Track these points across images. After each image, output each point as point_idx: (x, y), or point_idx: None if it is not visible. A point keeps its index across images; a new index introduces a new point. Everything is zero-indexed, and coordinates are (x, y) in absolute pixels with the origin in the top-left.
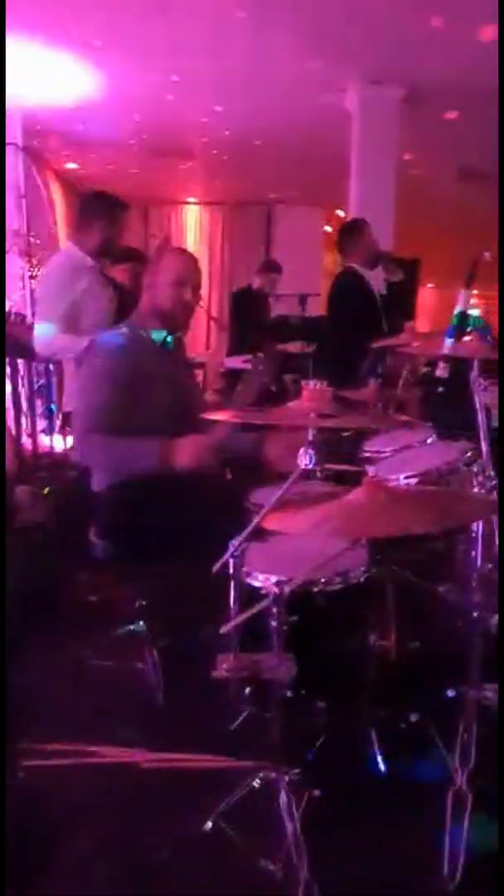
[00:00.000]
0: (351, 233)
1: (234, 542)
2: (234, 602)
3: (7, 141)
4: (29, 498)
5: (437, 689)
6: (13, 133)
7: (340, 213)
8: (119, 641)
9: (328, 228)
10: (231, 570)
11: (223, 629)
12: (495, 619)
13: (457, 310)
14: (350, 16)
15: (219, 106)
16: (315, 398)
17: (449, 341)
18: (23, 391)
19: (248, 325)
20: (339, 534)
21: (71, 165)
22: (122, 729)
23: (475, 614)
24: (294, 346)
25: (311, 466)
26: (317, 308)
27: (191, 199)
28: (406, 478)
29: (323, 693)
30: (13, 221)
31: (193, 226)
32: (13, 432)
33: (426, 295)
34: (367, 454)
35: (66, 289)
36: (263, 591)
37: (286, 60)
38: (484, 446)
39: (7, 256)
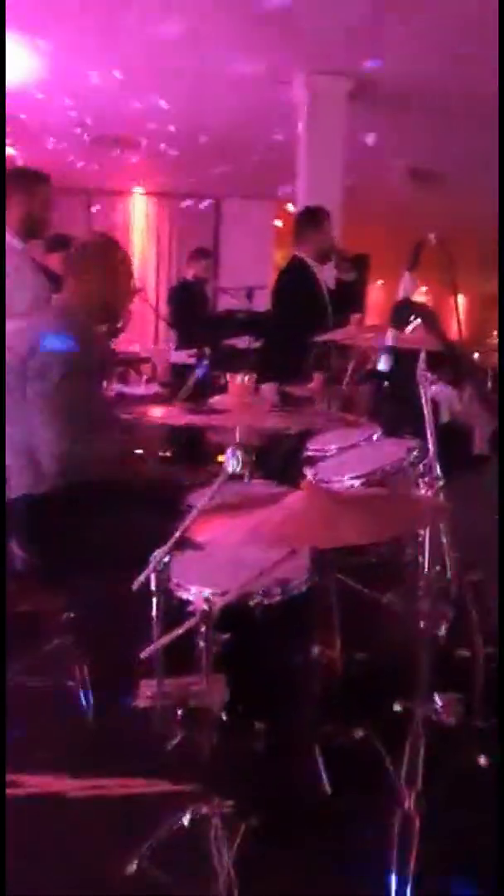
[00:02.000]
0: (308, 222)
1: (157, 555)
2: (156, 621)
3: None
4: None
5: (384, 703)
6: None
7: (290, 207)
8: (46, 657)
9: (279, 223)
10: (154, 586)
11: (144, 653)
12: (443, 628)
13: (400, 296)
14: (295, 3)
15: (161, 96)
16: (241, 394)
17: (391, 332)
18: None
19: (190, 319)
20: (276, 544)
21: (9, 151)
22: (48, 753)
23: (422, 624)
24: (241, 342)
25: (239, 470)
26: (265, 302)
27: (137, 190)
28: (350, 479)
29: (262, 712)
30: None
31: (140, 217)
32: None
33: (376, 292)
34: (311, 453)
35: None
36: (191, 609)
37: (229, 50)
38: (430, 444)
39: None
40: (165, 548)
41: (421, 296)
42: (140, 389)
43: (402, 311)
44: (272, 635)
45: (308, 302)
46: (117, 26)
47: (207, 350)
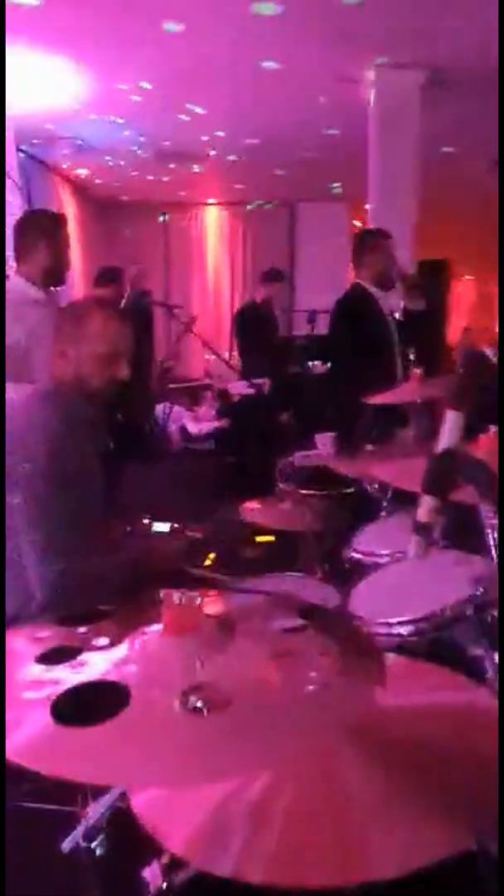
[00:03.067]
0: (363, 244)
1: (90, 816)
2: None
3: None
4: None
5: None
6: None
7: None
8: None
9: (358, 223)
10: (91, 850)
11: None
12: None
13: (441, 444)
14: None
15: (225, 104)
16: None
17: (428, 503)
18: None
19: (256, 345)
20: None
21: (81, 171)
22: None
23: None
24: (297, 368)
25: None
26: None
27: (210, 201)
28: (399, 624)
29: None
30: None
31: (214, 228)
32: None
33: (464, 288)
34: (357, 555)
35: (6, 333)
36: (146, 877)
37: (294, 51)
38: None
39: None
40: (99, 805)
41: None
42: (200, 427)
43: (443, 472)
44: None
45: (368, 337)
46: (171, 37)
47: (267, 381)
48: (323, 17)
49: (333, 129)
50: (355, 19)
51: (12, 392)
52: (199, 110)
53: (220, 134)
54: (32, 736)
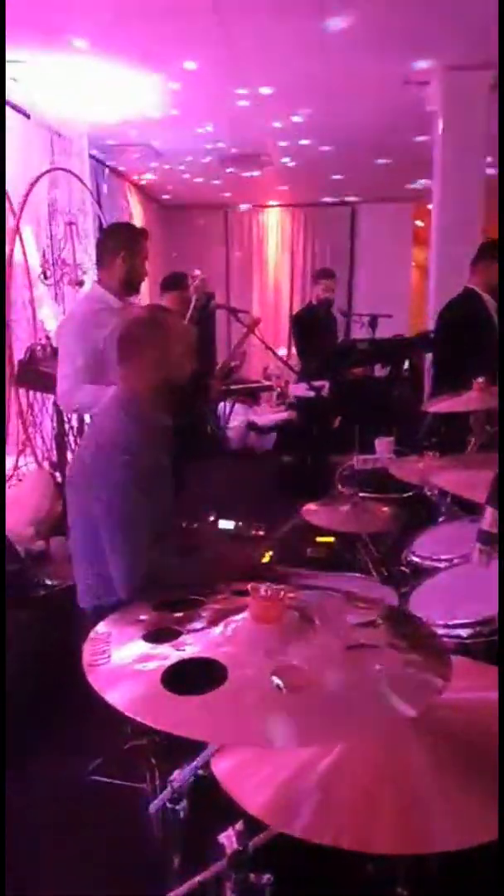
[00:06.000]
0: (485, 252)
1: (175, 780)
2: (178, 859)
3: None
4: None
5: None
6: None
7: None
8: (127, 755)
9: (419, 223)
10: (175, 812)
11: None
12: None
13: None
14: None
15: (294, 109)
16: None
17: (490, 515)
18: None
19: (314, 347)
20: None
21: (149, 177)
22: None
23: None
24: (359, 371)
25: None
26: (390, 329)
27: (272, 203)
28: (458, 626)
29: None
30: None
31: (275, 228)
32: (58, 479)
33: None
34: (415, 559)
35: (85, 337)
36: (222, 839)
37: (359, 56)
38: None
39: (56, 287)
40: (186, 771)
41: None
42: (265, 419)
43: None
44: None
45: (474, 336)
46: (240, 46)
47: (327, 383)
48: (392, 21)
49: (400, 131)
50: (423, 22)
51: (88, 396)
52: (270, 117)
53: (286, 139)
54: (145, 698)
